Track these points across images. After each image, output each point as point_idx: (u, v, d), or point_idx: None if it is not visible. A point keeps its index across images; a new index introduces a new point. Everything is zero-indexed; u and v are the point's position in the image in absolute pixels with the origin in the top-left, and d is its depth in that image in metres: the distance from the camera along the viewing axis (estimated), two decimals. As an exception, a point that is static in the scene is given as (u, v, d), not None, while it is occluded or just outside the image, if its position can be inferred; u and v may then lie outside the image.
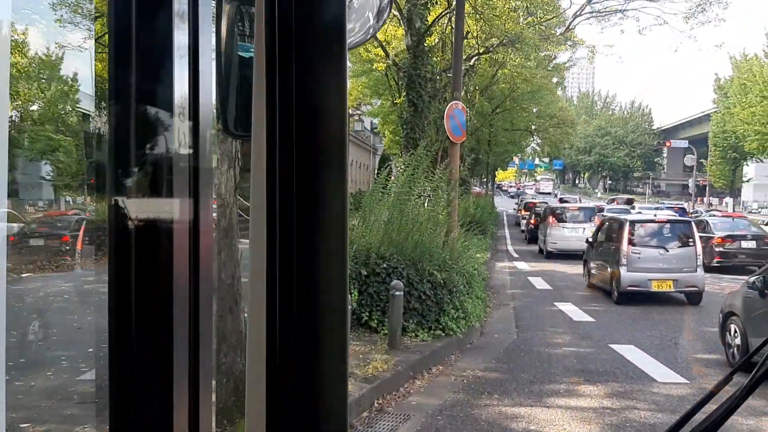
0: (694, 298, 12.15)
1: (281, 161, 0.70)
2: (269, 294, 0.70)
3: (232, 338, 4.82)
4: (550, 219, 21.27)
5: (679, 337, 9.47)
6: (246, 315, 4.92)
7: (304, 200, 0.70)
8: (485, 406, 6.25)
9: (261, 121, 0.70)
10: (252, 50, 0.73)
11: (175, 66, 0.67)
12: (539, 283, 15.15)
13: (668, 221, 13.38)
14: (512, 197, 68.78)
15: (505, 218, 40.26)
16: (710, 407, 1.06)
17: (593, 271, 14.11)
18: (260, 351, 0.70)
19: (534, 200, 37.04)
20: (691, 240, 12.37)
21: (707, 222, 18.93)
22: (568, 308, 11.64)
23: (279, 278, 0.70)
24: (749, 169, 53.35)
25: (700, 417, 1.06)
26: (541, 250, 22.32)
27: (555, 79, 34.64)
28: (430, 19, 17.09)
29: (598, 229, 14.91)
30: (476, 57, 22.21)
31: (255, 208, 0.71)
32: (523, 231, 30.01)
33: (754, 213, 46.27)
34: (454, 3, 14.85)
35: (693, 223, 13.50)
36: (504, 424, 5.78)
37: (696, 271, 12.00)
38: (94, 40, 17.71)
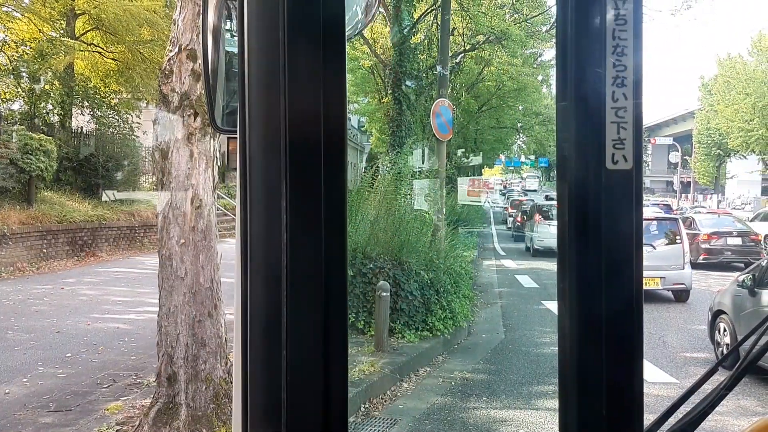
0: (681, 295, 12.13)
1: (270, 159, 0.67)
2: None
3: (211, 344, 4.67)
4: (537, 217, 21.23)
5: (667, 335, 9.42)
6: (225, 320, 4.76)
7: (295, 200, 0.67)
8: (473, 409, 6.13)
9: (248, 117, 0.68)
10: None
11: None
12: (526, 281, 15.10)
13: (655, 219, 13.33)
14: (500, 195, 68.95)
15: (491, 215, 40.35)
16: (695, 400, 1.04)
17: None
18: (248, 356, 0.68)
19: (520, 198, 37.15)
20: (678, 237, 12.35)
21: (693, 219, 18.97)
22: (555, 307, 11.56)
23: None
24: (732, 165, 53.77)
25: (684, 410, 1.03)
26: (527, 248, 22.30)
27: (540, 77, 34.66)
28: (415, 15, 16.97)
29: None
30: (462, 54, 22.13)
31: (242, 209, 0.69)
32: (509, 228, 30.02)
33: (738, 209, 46.64)
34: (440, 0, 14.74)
35: (680, 221, 13.48)
36: (493, 428, 5.67)
37: (683, 269, 11.97)
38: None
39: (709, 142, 50.04)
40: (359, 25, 1.35)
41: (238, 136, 0.70)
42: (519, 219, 26.27)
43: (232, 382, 4.97)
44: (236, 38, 0.96)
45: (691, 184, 57.51)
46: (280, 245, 0.67)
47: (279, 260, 0.67)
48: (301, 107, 0.67)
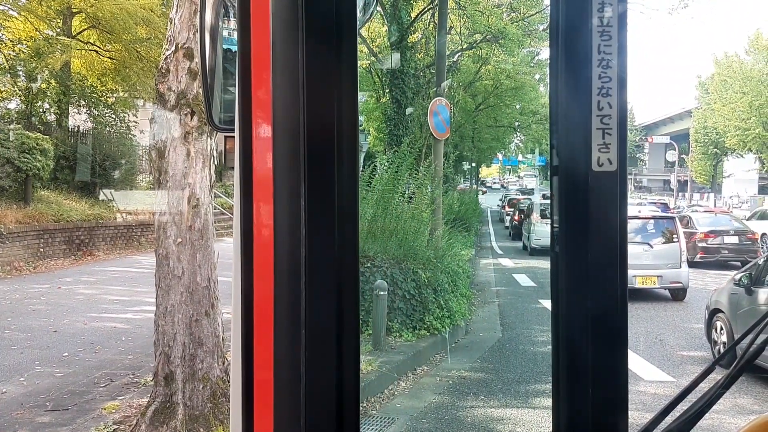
0: (678, 294, 12.15)
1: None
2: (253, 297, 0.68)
3: (209, 343, 4.66)
4: (534, 216, 21.23)
5: (664, 334, 9.43)
6: (222, 319, 4.74)
7: (313, 198, 0.68)
8: (471, 407, 6.14)
9: (246, 117, 0.69)
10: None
11: None
12: (523, 280, 15.11)
13: (652, 217, 13.35)
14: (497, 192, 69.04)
15: (489, 214, 40.40)
16: (692, 398, 1.05)
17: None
18: (247, 357, 0.69)
19: (518, 196, 37.19)
20: (675, 236, 12.37)
21: (690, 218, 19.00)
22: (552, 305, 11.57)
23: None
24: (729, 164, 53.83)
25: (681, 408, 1.04)
26: (525, 246, 22.32)
27: (537, 76, 34.66)
28: (413, 14, 16.96)
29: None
30: (460, 53, 22.12)
31: (243, 206, 0.70)
32: (507, 227, 30.05)
33: (735, 207, 46.64)
34: (437, -2, 14.74)
35: (677, 219, 13.50)
36: (490, 426, 5.68)
37: (680, 267, 11.99)
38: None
39: (706, 140, 50.08)
40: (357, 24, 1.35)
41: (237, 133, 0.70)
42: (516, 218, 26.28)
43: (229, 382, 4.96)
44: (234, 37, 0.95)
45: (688, 183, 57.56)
46: (299, 243, 0.68)
47: (298, 258, 0.68)
48: (319, 107, 0.68)
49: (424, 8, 18.03)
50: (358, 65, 0.73)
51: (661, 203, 32.92)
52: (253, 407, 0.70)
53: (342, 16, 0.68)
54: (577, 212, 0.74)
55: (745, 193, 51.23)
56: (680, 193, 54.39)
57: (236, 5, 0.75)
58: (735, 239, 17.47)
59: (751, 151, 40.47)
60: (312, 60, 0.67)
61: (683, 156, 56.62)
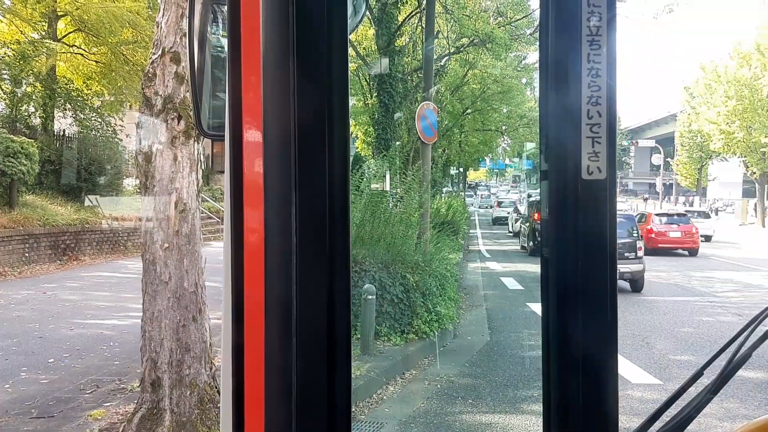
0: (637, 284, 13.67)
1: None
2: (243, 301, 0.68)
3: (196, 348, 4.63)
4: (536, 215, 21.29)
5: (650, 336, 9.49)
6: (209, 324, 4.70)
7: (304, 204, 0.68)
8: (459, 412, 6.14)
9: (237, 122, 0.68)
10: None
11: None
12: (511, 284, 15.15)
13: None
14: (486, 196, 69.47)
15: (477, 218, 40.53)
16: (680, 403, 1.05)
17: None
18: (238, 363, 0.69)
19: (505, 199, 37.49)
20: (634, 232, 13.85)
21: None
22: (539, 309, 11.59)
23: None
24: (714, 168, 54.33)
25: (670, 413, 1.04)
26: (523, 248, 22.41)
27: (524, 80, 34.81)
28: (400, 18, 17.00)
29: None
30: (447, 57, 22.19)
31: (231, 212, 0.69)
32: (510, 232, 30.26)
33: (720, 211, 47.06)
34: (425, 2, 14.78)
35: (635, 218, 15.30)
36: (479, 430, 5.68)
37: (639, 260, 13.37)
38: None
39: (691, 144, 50.54)
40: (348, 28, 1.35)
41: (227, 138, 0.70)
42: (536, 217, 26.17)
43: (217, 387, 4.93)
44: (223, 41, 0.95)
45: (674, 186, 57.99)
46: (290, 248, 0.67)
47: (289, 263, 0.67)
48: (310, 112, 0.68)
49: (412, 12, 18.08)
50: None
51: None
52: (244, 413, 0.70)
53: (333, 20, 0.68)
54: (566, 219, 0.74)
55: (729, 196, 51.81)
56: (666, 197, 54.79)
57: (226, 9, 0.75)
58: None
59: (735, 154, 40.88)
60: (303, 64, 0.66)
61: (669, 159, 57.04)
